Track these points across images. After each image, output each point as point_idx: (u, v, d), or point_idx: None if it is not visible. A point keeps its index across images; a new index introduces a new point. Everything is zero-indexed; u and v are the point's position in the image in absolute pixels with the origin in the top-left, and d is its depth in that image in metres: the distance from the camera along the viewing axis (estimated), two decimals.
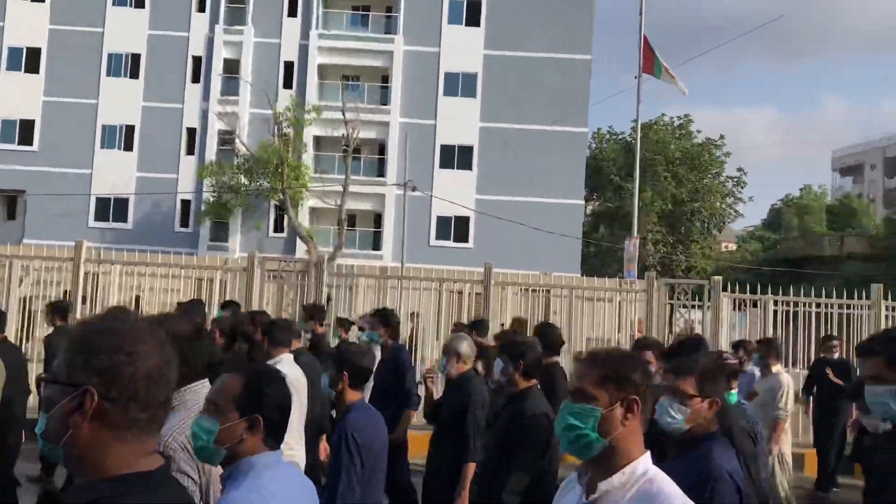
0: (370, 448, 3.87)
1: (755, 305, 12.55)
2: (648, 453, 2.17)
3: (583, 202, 38.59)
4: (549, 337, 6.62)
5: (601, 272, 31.38)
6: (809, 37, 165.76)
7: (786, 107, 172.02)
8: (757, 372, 8.20)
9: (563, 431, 2.18)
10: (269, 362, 4.96)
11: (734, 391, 4.65)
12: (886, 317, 11.96)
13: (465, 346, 5.27)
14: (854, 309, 11.86)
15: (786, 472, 7.85)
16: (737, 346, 8.15)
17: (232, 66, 37.78)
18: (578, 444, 2.15)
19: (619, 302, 12.32)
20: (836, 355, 9.82)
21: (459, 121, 36.67)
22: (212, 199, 35.64)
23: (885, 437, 2.91)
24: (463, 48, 36.92)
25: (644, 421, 2.21)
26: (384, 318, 6.99)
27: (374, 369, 4.22)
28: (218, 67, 37.78)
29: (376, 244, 37.29)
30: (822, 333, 11.61)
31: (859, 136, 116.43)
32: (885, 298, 11.81)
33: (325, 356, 7.78)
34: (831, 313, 11.89)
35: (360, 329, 7.86)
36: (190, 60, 37.90)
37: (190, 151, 37.76)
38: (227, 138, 36.55)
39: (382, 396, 6.47)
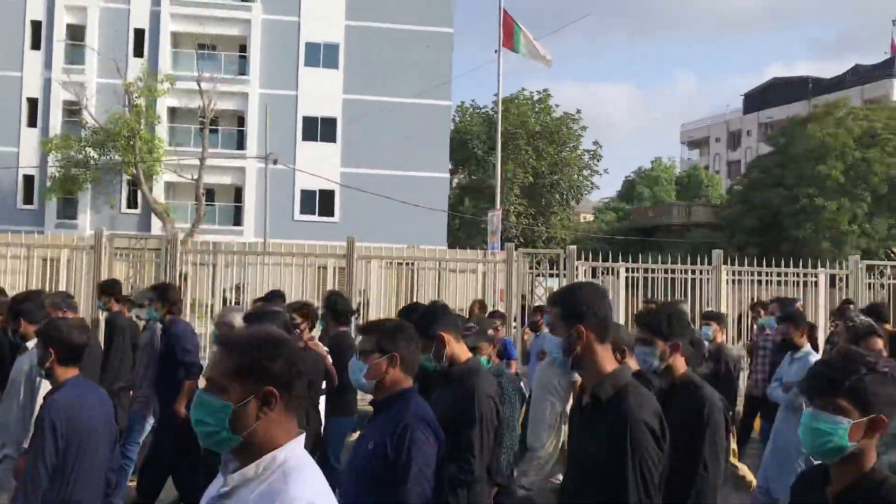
0: (76, 429, 3.58)
1: (609, 272, 13.14)
2: (296, 440, 1.98)
3: (448, 175, 38.96)
4: (338, 306, 6.69)
5: (467, 244, 31.91)
6: (665, 15, 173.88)
7: (642, 82, 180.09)
8: None
9: (195, 425, 1.97)
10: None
11: None
12: (727, 280, 12.79)
13: (238, 318, 5.08)
14: (698, 274, 12.58)
15: None
16: None
17: (76, 33, 35.38)
18: (211, 440, 1.95)
19: (484, 273, 12.58)
20: None
21: (322, 92, 36.06)
22: (58, 175, 33.42)
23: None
24: (324, 17, 36.22)
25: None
26: (162, 293, 6.75)
27: (85, 344, 3.87)
28: (60, 33, 35.30)
29: (237, 219, 36.27)
30: (671, 297, 12.32)
31: (706, 111, 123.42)
32: (726, 263, 12.61)
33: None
34: (678, 278, 12.59)
35: (137, 305, 7.53)
36: (28, 25, 35.21)
37: (32, 123, 35.24)
38: (72, 109, 34.30)
39: (169, 371, 6.36)
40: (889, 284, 13.70)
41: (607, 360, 2.85)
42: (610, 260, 12.42)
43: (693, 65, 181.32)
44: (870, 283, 13.58)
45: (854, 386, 2.25)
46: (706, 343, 7.12)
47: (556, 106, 39.77)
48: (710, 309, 10.54)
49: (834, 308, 12.73)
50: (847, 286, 13.38)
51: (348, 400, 6.50)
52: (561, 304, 2.90)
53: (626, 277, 12.91)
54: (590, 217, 61.03)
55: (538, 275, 12.55)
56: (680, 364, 3.60)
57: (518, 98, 39.42)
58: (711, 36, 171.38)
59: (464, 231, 38.42)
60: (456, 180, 42.73)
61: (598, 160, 41.07)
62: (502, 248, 15.32)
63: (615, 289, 12.88)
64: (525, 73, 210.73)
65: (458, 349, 3.76)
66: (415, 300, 11.08)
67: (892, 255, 33.23)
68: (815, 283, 13.81)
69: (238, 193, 36.73)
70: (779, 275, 13.24)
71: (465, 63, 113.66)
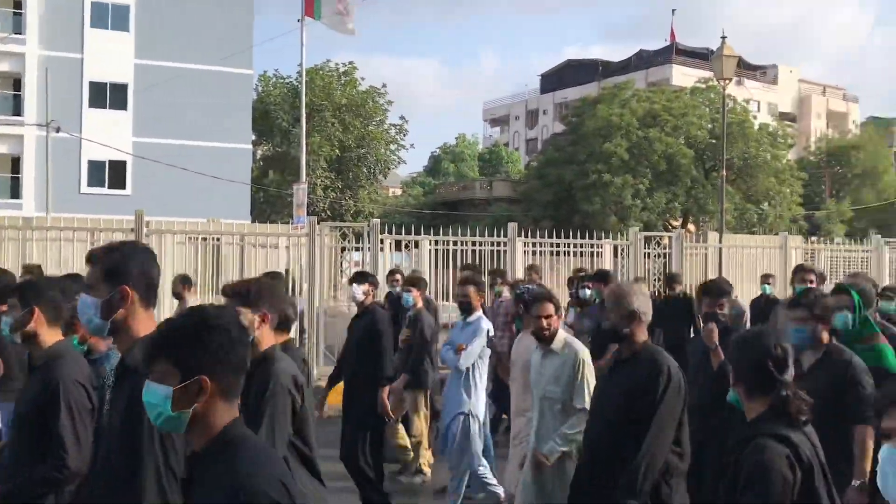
0: None
1: (414, 245, 13.35)
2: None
3: (251, 147, 37.70)
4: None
5: (273, 218, 31.11)
6: None
7: (448, 59, 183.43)
8: None
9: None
10: None
11: None
12: (524, 252, 13.46)
13: None
14: (496, 246, 13.12)
15: None
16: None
17: None
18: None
19: (288, 247, 12.33)
20: None
21: (111, 56, 33.51)
22: None
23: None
24: None
25: None
26: None
27: None
28: None
29: (15, 192, 33.07)
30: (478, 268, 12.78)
31: (509, 90, 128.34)
32: (520, 236, 13.25)
33: None
34: (478, 251, 13.05)
35: None
36: None
37: None
38: None
39: None
40: (664, 253, 15.02)
41: (145, 326, 2.61)
42: (413, 233, 12.60)
43: (496, 43, 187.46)
44: (647, 253, 14.80)
45: None
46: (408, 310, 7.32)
47: (363, 79, 39.62)
48: (416, 273, 9.66)
49: (633, 275, 13.78)
50: (628, 256, 14.49)
51: None
52: (102, 262, 2.64)
53: (431, 250, 13.18)
54: (398, 191, 61.64)
55: (344, 248, 12.50)
56: (267, 336, 3.47)
57: (324, 70, 38.78)
58: (514, 15, 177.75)
59: (269, 205, 37.45)
60: (260, 152, 41.47)
61: (404, 135, 41.48)
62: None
63: (420, 260, 13.10)
64: (335, 44, 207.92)
65: (48, 331, 3.38)
66: (218, 276, 10.67)
67: (670, 226, 36.38)
68: (601, 253, 14.92)
69: (16, 164, 33.49)
70: (569, 246, 14.12)
71: (268, 30, 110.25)
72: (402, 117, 41.73)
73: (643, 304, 4.00)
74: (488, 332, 6.49)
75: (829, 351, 4.20)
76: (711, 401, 4.49)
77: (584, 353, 4.80)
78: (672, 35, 58.04)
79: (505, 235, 12.99)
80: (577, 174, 35.58)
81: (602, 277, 8.09)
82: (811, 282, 7.28)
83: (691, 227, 37.01)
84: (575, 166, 35.94)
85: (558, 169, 36.85)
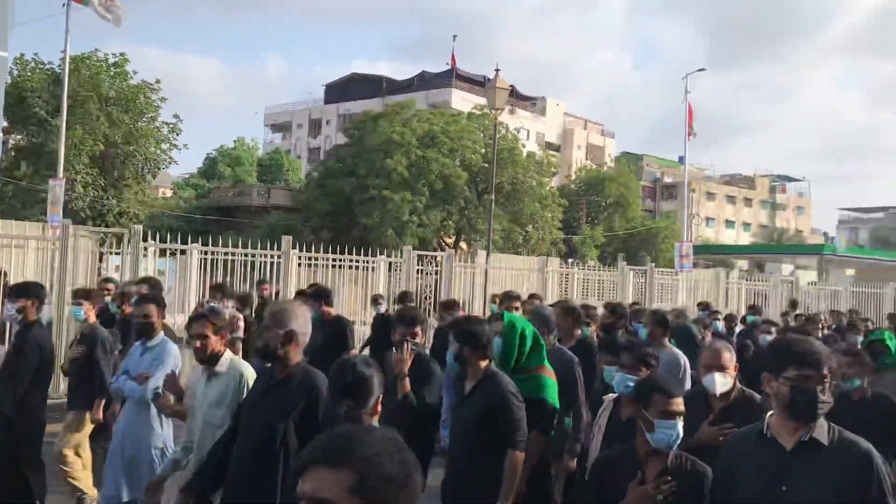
0: None
1: (181, 253, 12.75)
2: None
3: (0, 135, 34.08)
4: None
5: (23, 215, 28.33)
6: None
7: (230, 59, 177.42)
8: None
9: None
10: None
11: None
12: (298, 265, 13.28)
13: None
14: (270, 258, 12.84)
15: None
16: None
17: None
18: None
19: (40, 250, 11.26)
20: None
21: None
22: None
23: None
24: None
25: None
26: None
27: None
28: None
29: None
30: (247, 280, 12.46)
31: (294, 96, 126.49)
32: (295, 248, 13.05)
33: None
34: (250, 261, 12.71)
35: None
36: None
37: None
38: None
39: None
40: (436, 271, 15.56)
41: None
42: (179, 241, 12.05)
43: (282, 49, 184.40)
44: (419, 270, 15.26)
45: None
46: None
47: (135, 73, 37.25)
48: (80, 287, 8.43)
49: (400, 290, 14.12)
50: (402, 272, 14.84)
51: None
52: None
53: (200, 259, 12.66)
54: (168, 192, 58.53)
55: (102, 255, 11.68)
56: None
57: (91, 59, 36.00)
58: (301, 22, 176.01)
59: (19, 199, 34.05)
60: (12, 141, 37.62)
61: (177, 134, 39.50)
62: (75, 222, 13.90)
63: (187, 270, 12.55)
64: (107, 33, 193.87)
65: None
66: None
67: (444, 243, 37.75)
68: (376, 269, 15.13)
69: None
70: (344, 261, 14.17)
71: (31, 11, 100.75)
72: (175, 115, 39.73)
73: (302, 324, 3.90)
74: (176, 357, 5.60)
75: (485, 377, 4.32)
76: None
77: (249, 371, 4.51)
78: (453, 60, 60.41)
79: (279, 248, 12.76)
80: (357, 187, 35.90)
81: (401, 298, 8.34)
82: (516, 308, 7.74)
83: (463, 244, 38.68)
84: (355, 179, 36.23)
85: (339, 181, 36.96)
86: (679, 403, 3.37)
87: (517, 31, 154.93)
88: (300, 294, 9.19)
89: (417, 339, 5.54)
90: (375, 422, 3.37)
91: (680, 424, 3.32)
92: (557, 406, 4.81)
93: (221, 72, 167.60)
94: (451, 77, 60.29)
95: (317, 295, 8.07)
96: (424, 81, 62.72)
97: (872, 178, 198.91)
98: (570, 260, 36.51)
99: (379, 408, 3.40)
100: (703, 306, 12.33)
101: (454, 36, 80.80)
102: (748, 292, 20.82)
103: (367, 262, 14.55)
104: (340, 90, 67.62)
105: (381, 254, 15.69)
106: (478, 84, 56.15)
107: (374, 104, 52.49)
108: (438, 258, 16.01)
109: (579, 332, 6.61)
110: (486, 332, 4.46)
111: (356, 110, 56.26)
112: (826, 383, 2.90)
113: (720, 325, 10.90)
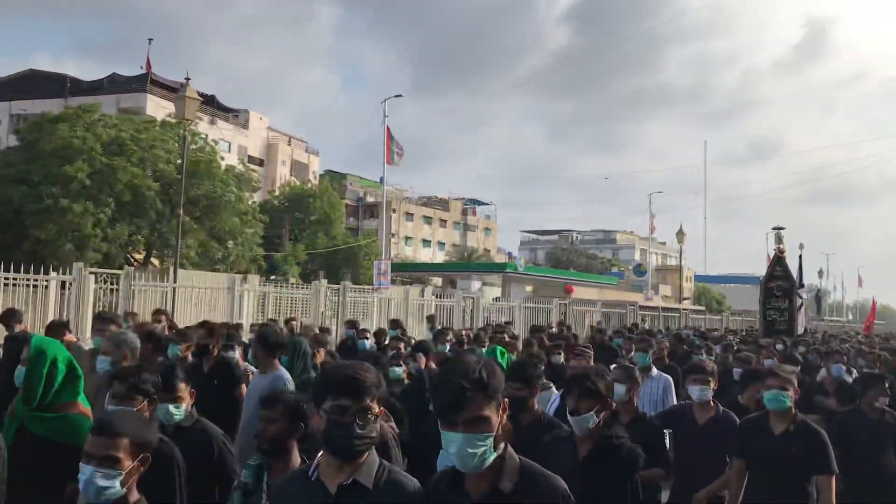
0: None
1: None
2: None
3: None
4: None
5: None
6: None
7: None
8: None
9: None
10: None
11: None
12: None
13: None
14: None
15: None
16: None
17: None
18: None
19: None
20: None
21: None
22: None
23: None
24: None
25: None
26: None
27: None
28: None
29: None
30: None
31: None
32: None
33: None
34: None
35: None
36: None
37: None
38: None
39: None
40: (113, 290, 14.32)
41: None
42: None
43: None
44: (96, 289, 13.98)
45: None
46: None
47: None
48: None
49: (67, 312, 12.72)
50: (73, 291, 13.53)
51: None
52: None
53: None
54: None
55: None
56: None
57: None
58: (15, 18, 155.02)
59: None
60: None
61: None
62: None
63: None
64: None
65: None
66: None
67: (134, 260, 35.11)
68: (47, 287, 13.65)
69: None
70: (7, 279, 12.61)
71: None
72: None
73: None
74: None
75: None
76: None
77: None
78: (148, 64, 57.00)
79: None
80: (30, 196, 32.11)
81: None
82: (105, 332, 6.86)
83: (155, 261, 36.28)
84: (27, 188, 32.40)
85: (7, 188, 32.78)
86: None
87: (223, 41, 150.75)
88: None
89: None
90: None
91: None
92: None
93: None
94: (145, 82, 56.72)
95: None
96: (116, 84, 58.33)
97: (550, 204, 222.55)
98: (272, 277, 35.98)
99: None
100: (394, 324, 12.60)
101: (150, 39, 75.94)
102: (437, 308, 21.91)
103: (36, 280, 13.04)
104: (14, 87, 60.45)
105: (56, 271, 14.12)
106: (175, 91, 53.41)
107: (54, 105, 47.59)
108: (118, 276, 14.79)
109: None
110: None
111: (34, 111, 50.55)
112: (370, 416, 2.62)
113: (367, 342, 11.05)
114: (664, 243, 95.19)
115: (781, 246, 23.04)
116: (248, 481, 3.54)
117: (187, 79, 16.69)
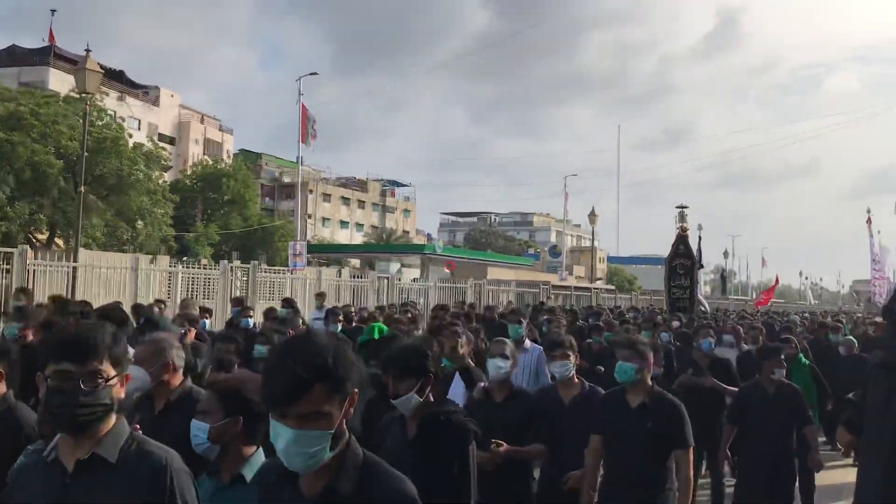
0: None
1: None
2: None
3: None
4: None
5: None
6: None
7: None
8: None
9: None
10: None
11: None
12: None
13: None
14: None
15: None
16: None
17: None
18: None
19: None
20: None
21: None
22: None
23: None
24: None
25: None
26: None
27: None
28: None
29: None
30: None
31: None
32: None
33: None
34: None
35: None
36: None
37: None
38: None
39: None
40: (5, 269, 13.77)
41: None
42: None
43: None
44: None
45: None
46: None
47: None
48: None
49: None
50: None
51: None
52: None
53: None
54: None
55: None
56: None
57: None
58: None
59: None
60: None
61: None
62: None
63: None
64: None
65: None
66: None
67: (36, 240, 33.70)
68: None
69: None
70: None
71: None
72: None
73: None
74: None
75: None
76: None
77: None
78: (51, 36, 54.44)
79: None
80: None
81: None
82: None
83: (60, 241, 34.94)
84: None
85: None
86: None
87: (134, 15, 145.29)
88: None
89: None
90: None
91: None
92: None
93: None
94: (48, 55, 54.19)
95: None
96: (16, 57, 55.55)
97: (469, 186, 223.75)
98: (184, 259, 35.11)
99: None
100: (287, 303, 12.34)
101: (52, 10, 72.38)
102: (352, 288, 21.82)
103: None
104: None
105: None
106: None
107: None
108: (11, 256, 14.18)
109: None
110: None
111: None
112: (101, 380, 2.34)
113: (251, 321, 10.87)
114: (579, 225, 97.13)
115: (685, 224, 23.85)
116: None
117: (87, 50, 16.02)
